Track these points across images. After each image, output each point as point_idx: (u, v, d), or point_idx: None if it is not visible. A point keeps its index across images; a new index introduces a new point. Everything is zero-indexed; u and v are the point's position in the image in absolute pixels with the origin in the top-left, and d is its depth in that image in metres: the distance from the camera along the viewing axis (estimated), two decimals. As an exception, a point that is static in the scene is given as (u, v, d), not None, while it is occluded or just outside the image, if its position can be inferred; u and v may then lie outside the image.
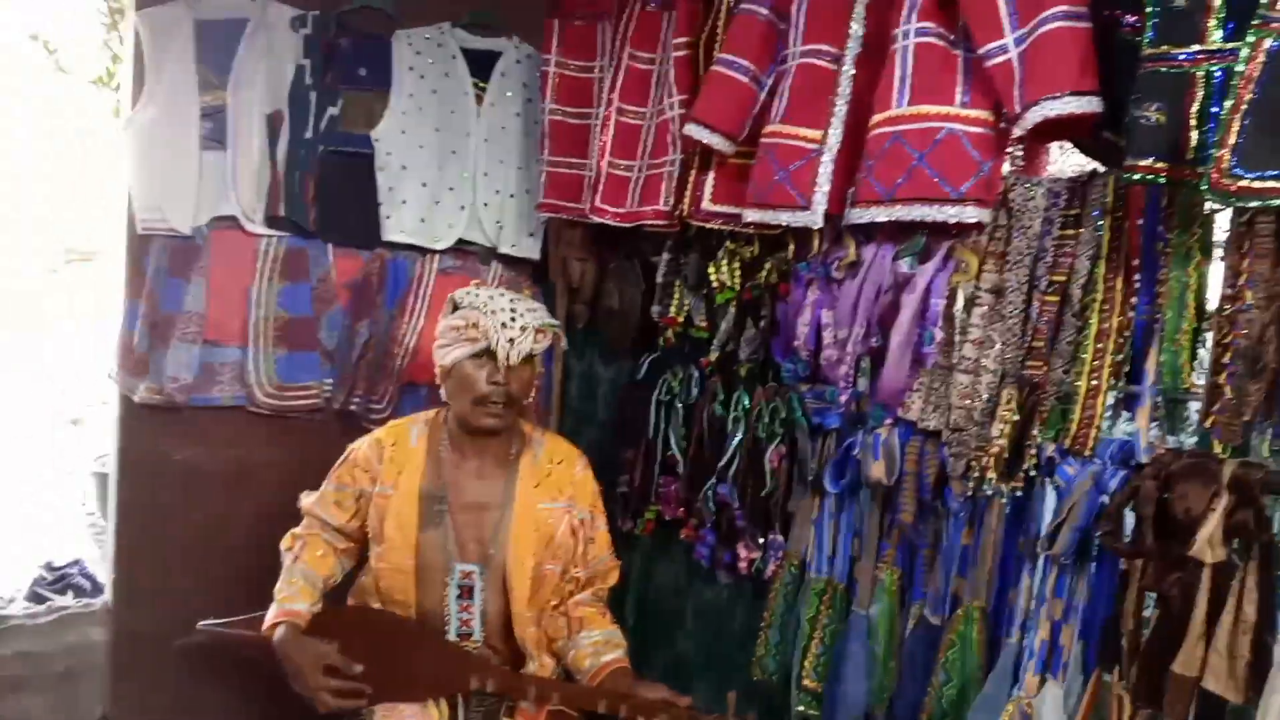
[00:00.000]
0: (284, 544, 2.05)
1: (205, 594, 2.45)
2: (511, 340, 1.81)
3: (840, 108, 1.64)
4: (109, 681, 2.70)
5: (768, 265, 1.88)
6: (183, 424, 2.55)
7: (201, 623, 2.07)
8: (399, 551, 1.91)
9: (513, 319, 1.83)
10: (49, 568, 3.24)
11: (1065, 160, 1.60)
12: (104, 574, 3.09)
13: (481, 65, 2.59)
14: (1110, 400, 1.42)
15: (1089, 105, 1.33)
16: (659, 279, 2.21)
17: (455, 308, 1.90)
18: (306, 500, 2.07)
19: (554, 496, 1.97)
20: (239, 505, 2.63)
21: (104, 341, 2.76)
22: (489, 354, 1.83)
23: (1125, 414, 1.43)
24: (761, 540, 1.98)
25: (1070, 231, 1.44)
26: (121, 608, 2.67)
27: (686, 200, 1.96)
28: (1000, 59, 1.40)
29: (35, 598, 3.05)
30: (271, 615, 1.89)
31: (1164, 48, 1.23)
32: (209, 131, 2.45)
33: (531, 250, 2.68)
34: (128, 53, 2.57)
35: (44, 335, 8.37)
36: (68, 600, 2.89)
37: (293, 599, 1.90)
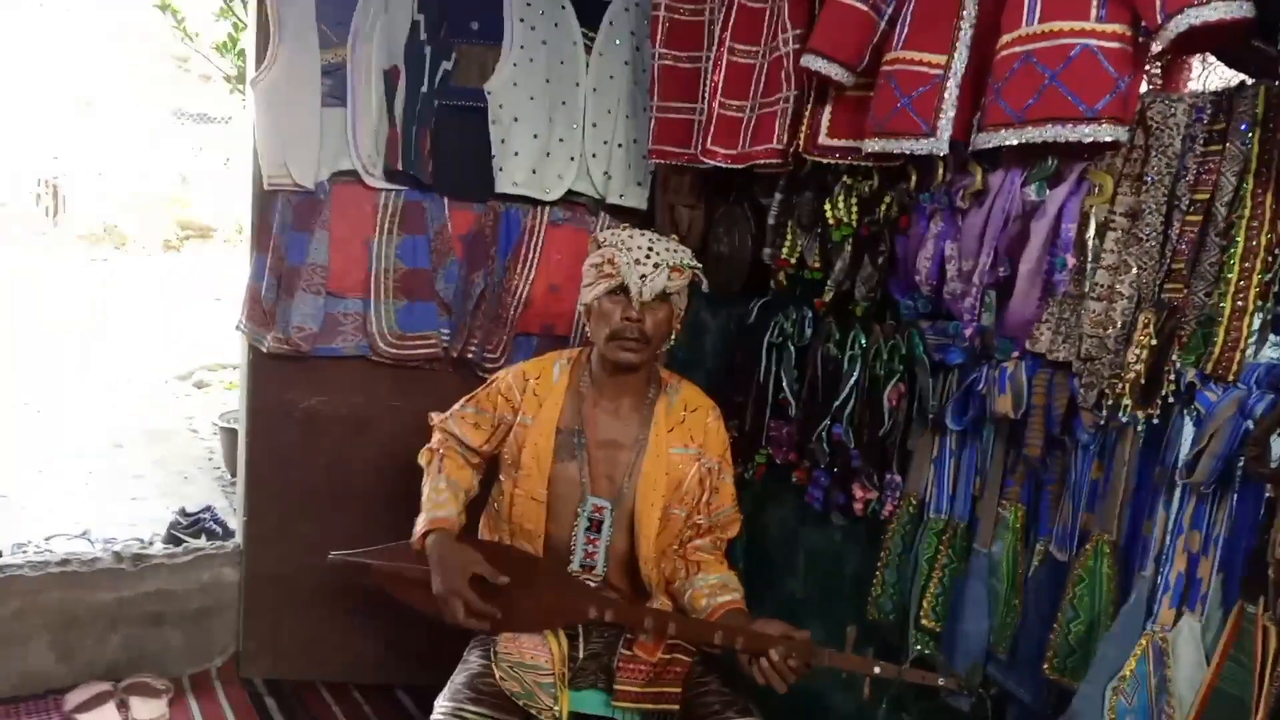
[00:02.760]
0: (422, 459, 2.11)
1: (329, 536, 2.54)
2: (643, 276, 1.83)
3: (965, 31, 1.59)
4: (241, 619, 2.85)
5: (887, 199, 1.85)
6: (307, 373, 2.66)
7: (332, 554, 2.15)
8: (533, 480, 1.96)
9: (648, 256, 1.85)
10: (183, 513, 3.44)
11: (1208, 75, 1.53)
12: (234, 521, 3.26)
13: (590, 14, 2.60)
14: (1257, 323, 1.35)
15: (1239, 10, 1.26)
16: (770, 220, 2.19)
17: (598, 246, 1.93)
18: (439, 418, 2.13)
19: (685, 443, 1.99)
20: (360, 451, 2.74)
21: (222, 311, 2.90)
22: (624, 290, 1.85)
23: (1273, 337, 1.36)
24: (878, 481, 1.96)
25: (1215, 147, 1.37)
26: (252, 549, 2.81)
27: (802, 136, 1.94)
28: (1141, -32, 1.35)
29: (172, 540, 3.24)
30: (422, 524, 1.94)
31: (1325, -57, 1.17)
32: (330, 89, 2.53)
33: (639, 200, 2.69)
34: (251, 16, 2.67)
35: (168, 305, 8.81)
36: (202, 542, 3.05)
37: (442, 505, 1.97)
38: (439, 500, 1.98)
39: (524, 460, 1.96)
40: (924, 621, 1.85)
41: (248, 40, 2.76)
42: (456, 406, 2.12)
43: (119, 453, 4.93)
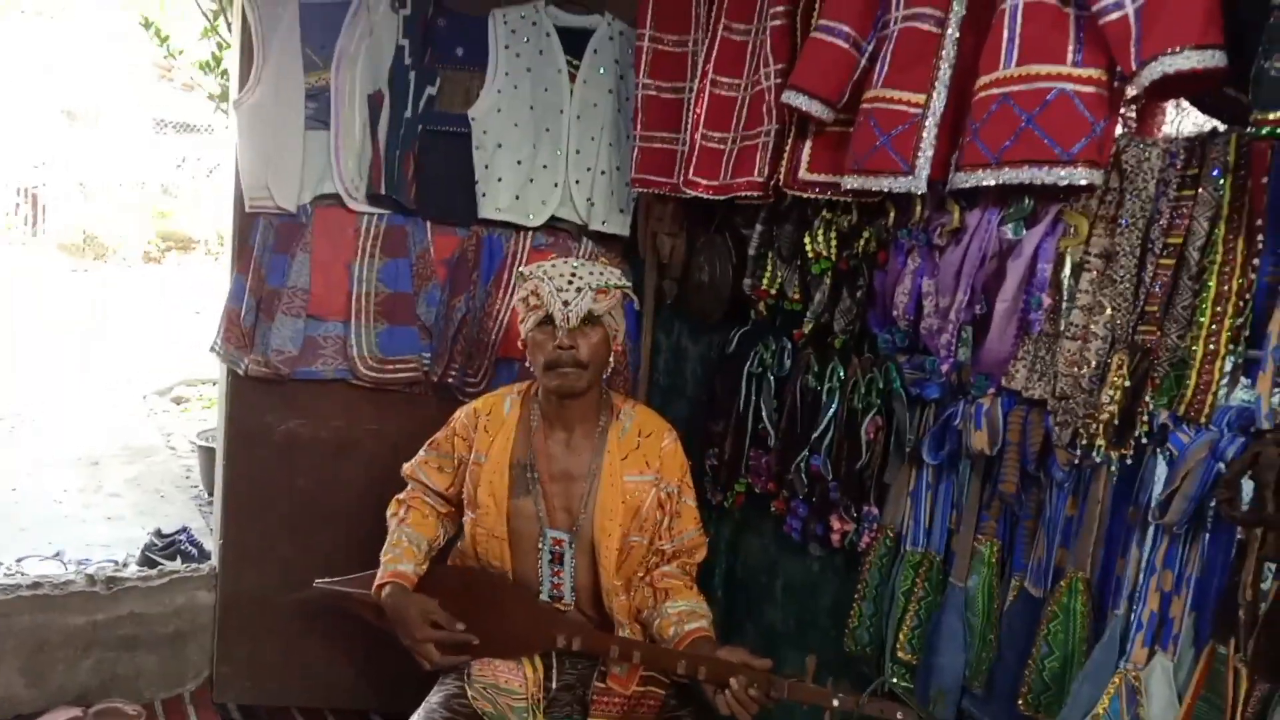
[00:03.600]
0: (389, 510, 2.12)
1: (307, 560, 2.55)
2: (566, 302, 1.85)
3: (944, 71, 1.61)
4: (215, 642, 2.83)
5: (866, 234, 1.86)
6: (287, 395, 2.66)
7: (317, 581, 2.15)
8: (492, 518, 1.96)
9: (569, 282, 1.87)
10: (158, 534, 3.41)
11: (1182, 120, 1.55)
12: (209, 542, 3.23)
13: (575, 43, 2.62)
14: (1228, 366, 1.37)
15: (1212, 60, 1.28)
16: (751, 251, 2.21)
17: (524, 280, 1.94)
18: (409, 467, 2.14)
19: (641, 469, 1.99)
20: (340, 474, 2.73)
21: (203, 324, 2.89)
22: (551, 319, 1.86)
23: (1244, 380, 1.38)
24: (855, 513, 1.97)
25: (1188, 192, 1.39)
26: (228, 572, 2.79)
27: (782, 170, 1.95)
28: (1116, 15, 1.36)
29: (147, 562, 3.20)
30: (379, 577, 1.96)
31: (1295, -4, 1.19)
32: (313, 112, 2.53)
33: (622, 227, 2.70)
34: (235, 37, 2.67)
35: (147, 318, 8.74)
36: (177, 565, 3.02)
37: (398, 560, 1.97)
38: (396, 554, 1.99)
39: (480, 498, 1.97)
40: (900, 654, 1.85)
41: (231, 61, 2.76)
42: (420, 453, 2.13)
43: (95, 470, 4.88)
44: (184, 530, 3.45)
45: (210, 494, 3.83)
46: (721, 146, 2.16)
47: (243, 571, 2.76)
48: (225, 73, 3.58)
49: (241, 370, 2.59)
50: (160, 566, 2.97)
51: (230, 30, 3.03)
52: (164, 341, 7.70)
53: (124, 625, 2.76)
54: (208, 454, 4.02)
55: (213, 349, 2.66)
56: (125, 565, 3.33)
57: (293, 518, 2.72)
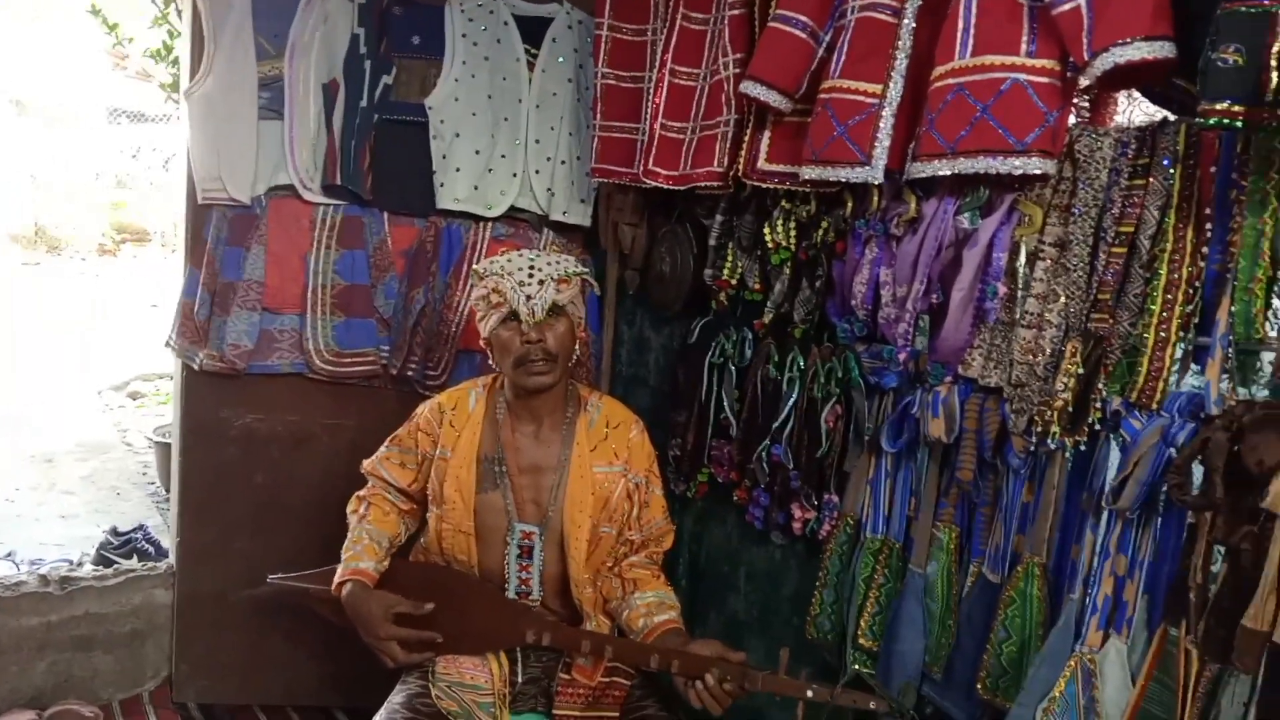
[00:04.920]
0: (350, 506, 2.09)
1: (266, 557, 2.52)
2: (529, 296, 1.83)
3: (901, 61, 1.62)
4: (174, 641, 2.79)
5: (824, 224, 1.87)
6: (242, 390, 2.62)
7: (271, 577, 2.12)
8: (459, 513, 1.94)
9: (530, 275, 1.85)
10: (114, 533, 3.35)
11: (1133, 110, 1.57)
12: (167, 539, 3.18)
13: (533, 32, 2.59)
14: (1179, 353, 1.39)
15: (1162, 50, 1.30)
16: (712, 241, 2.20)
17: (480, 278, 1.92)
18: (369, 463, 2.11)
19: (609, 460, 1.98)
20: (298, 470, 2.69)
21: (159, 318, 2.83)
22: (515, 315, 1.85)
23: (1194, 367, 1.40)
24: (816, 501, 1.98)
25: (1139, 181, 1.41)
26: (185, 570, 2.75)
27: (741, 160, 1.95)
28: (1068, 5, 1.38)
29: (102, 561, 3.15)
30: (339, 574, 1.93)
31: (1243, -12, 1.20)
32: (266, 102, 2.49)
33: (583, 217, 2.68)
34: (185, 26, 2.62)
35: (102, 312, 8.58)
36: (133, 563, 2.97)
37: (359, 558, 1.95)
38: (356, 551, 1.96)
39: (447, 494, 1.95)
40: (861, 641, 1.86)
41: (182, 49, 2.69)
42: (382, 449, 2.10)
43: (49, 468, 4.79)
44: (140, 528, 3.40)
45: (168, 490, 3.77)
46: (681, 136, 2.15)
47: (201, 569, 2.72)
48: (176, 61, 3.51)
49: (196, 365, 2.55)
50: (116, 565, 2.92)
51: (181, 18, 2.96)
52: (119, 336, 7.56)
53: (79, 626, 2.71)
54: (164, 450, 3.95)
55: (167, 344, 2.61)
56: (80, 565, 3.27)
57: (251, 514, 2.68)
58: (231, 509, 2.68)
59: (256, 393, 2.62)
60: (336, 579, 1.94)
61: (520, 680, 1.96)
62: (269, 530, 2.68)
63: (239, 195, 2.50)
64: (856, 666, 1.86)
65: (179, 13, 3.17)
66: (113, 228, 12.59)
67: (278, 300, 2.55)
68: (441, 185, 2.56)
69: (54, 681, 2.68)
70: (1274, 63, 1.16)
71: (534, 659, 1.97)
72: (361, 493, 2.10)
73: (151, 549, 3.28)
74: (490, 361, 1.98)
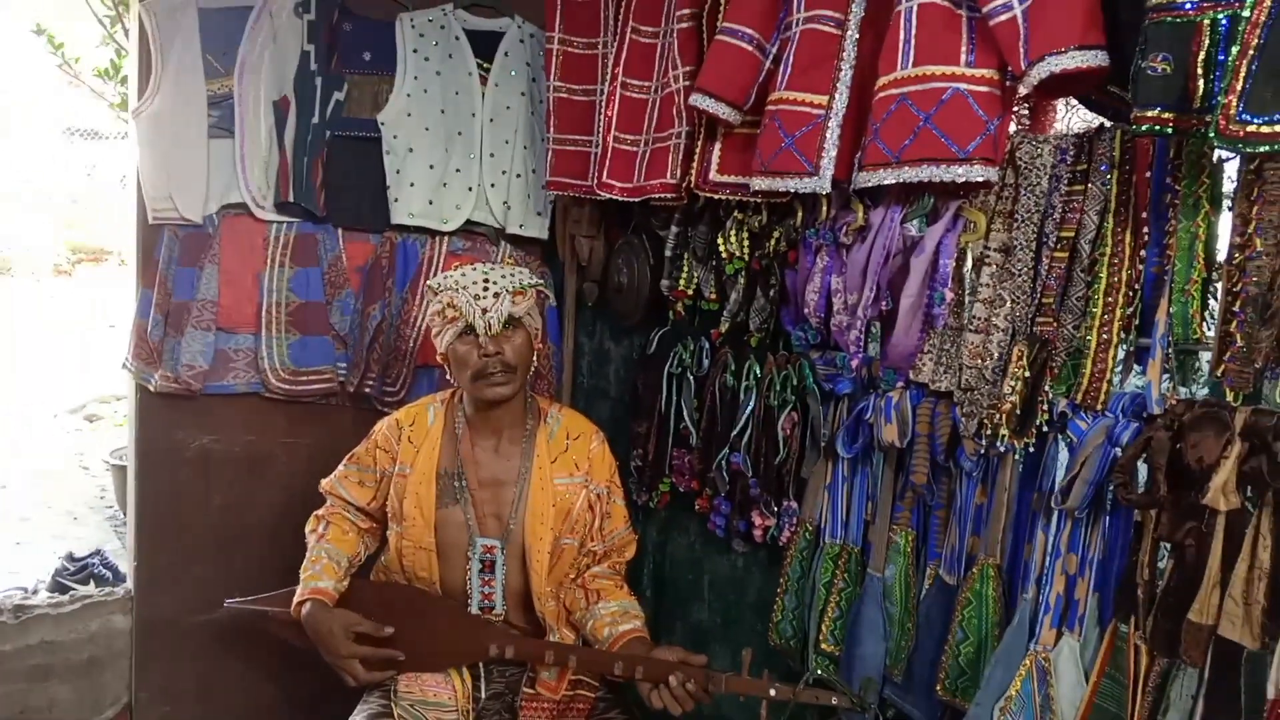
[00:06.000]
0: (308, 526, 2.08)
1: (225, 579, 2.49)
2: (485, 309, 1.83)
3: (845, 72, 1.64)
4: (133, 668, 2.74)
5: (776, 234, 1.88)
6: (198, 412, 2.59)
7: (228, 601, 2.10)
8: (419, 529, 1.93)
9: (485, 289, 1.85)
10: (70, 559, 3.28)
11: (1071, 118, 1.60)
12: (125, 564, 3.13)
13: (485, 46, 2.59)
14: (1121, 354, 1.42)
15: (1095, 59, 1.32)
16: (668, 253, 2.21)
17: (435, 294, 1.91)
18: (328, 482, 2.10)
19: (570, 472, 1.99)
20: (257, 490, 2.66)
21: (116, 339, 2.79)
22: (471, 329, 1.84)
23: (1136, 367, 1.43)
24: (775, 508, 1.99)
25: (1078, 187, 1.44)
26: (144, 595, 2.70)
27: (693, 172, 1.96)
28: (1004, 16, 1.40)
29: (58, 587, 3.09)
30: (298, 594, 1.92)
31: (1169, -2, 1.23)
32: (216, 120, 2.47)
33: (540, 230, 2.69)
34: (132, 44, 2.59)
35: (58, 333, 8.43)
36: (90, 589, 2.92)
37: (318, 577, 1.93)
38: (315, 571, 1.95)
39: (407, 510, 1.94)
40: (823, 645, 1.88)
41: (130, 68, 2.66)
42: (340, 468, 2.09)
43: (2, 494, 4.69)
44: (98, 553, 3.33)
45: (126, 514, 3.71)
46: (634, 149, 2.16)
47: (159, 594, 2.68)
48: (125, 80, 3.47)
49: (152, 386, 2.51)
50: (73, 592, 2.86)
51: (128, 37, 2.93)
52: (75, 357, 7.44)
53: (34, 655, 2.65)
54: (121, 473, 3.89)
55: (124, 366, 2.58)
56: (35, 592, 3.20)
57: (209, 537, 2.65)
58: (190, 532, 2.65)
59: (212, 413, 2.60)
60: (296, 599, 1.92)
61: (484, 696, 1.95)
62: (228, 552, 2.65)
63: (190, 214, 2.47)
64: (819, 671, 1.88)
65: (126, 31, 3.13)
66: (68, 247, 12.38)
67: (232, 319, 2.52)
68: (396, 200, 2.55)
69: (9, 713, 2.62)
70: (1200, 70, 1.20)
71: (497, 674, 1.96)
72: (320, 512, 2.09)
73: (109, 574, 3.21)
74: (448, 376, 1.98)
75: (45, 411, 6.33)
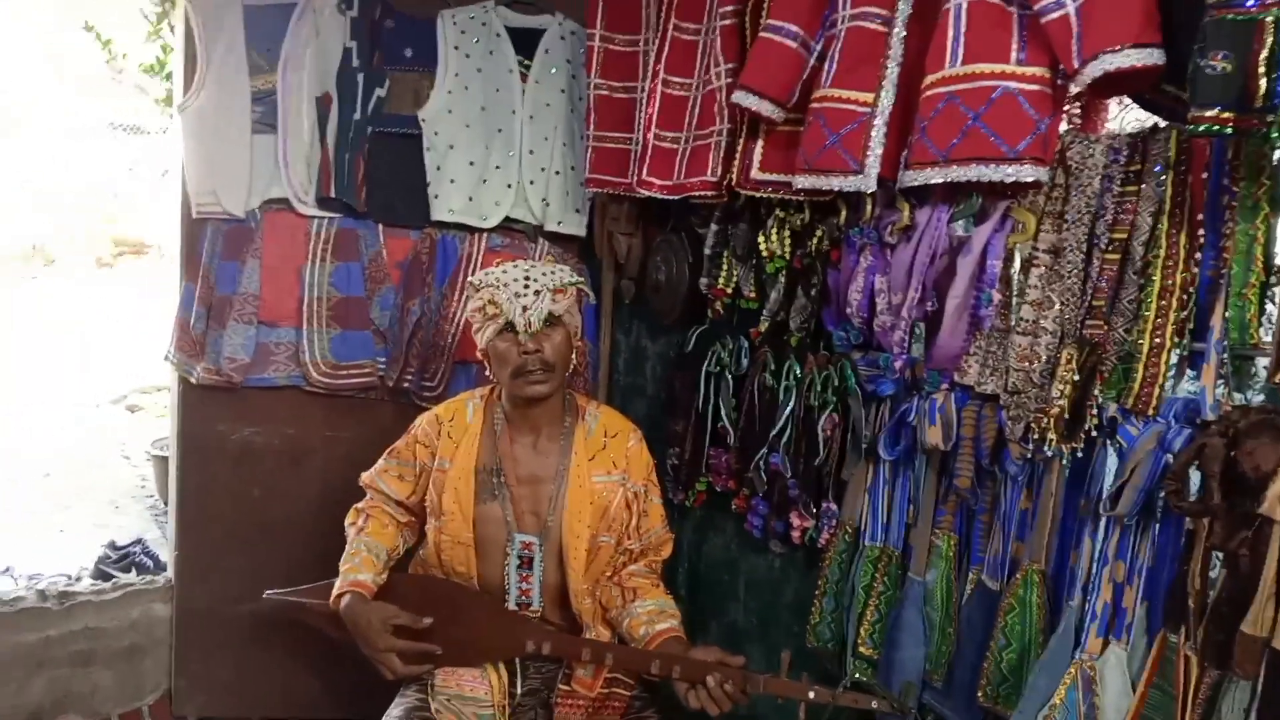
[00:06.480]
0: (348, 519, 2.09)
1: (264, 570, 2.51)
2: (525, 307, 1.83)
3: (892, 70, 1.62)
4: (173, 655, 2.78)
5: (819, 233, 1.86)
6: (239, 404, 2.62)
7: (267, 591, 2.12)
8: (457, 524, 1.94)
9: (526, 286, 1.85)
10: (112, 546, 3.33)
11: (1124, 117, 1.57)
12: (165, 553, 3.17)
13: (525, 43, 2.60)
14: (1174, 359, 1.39)
15: (1151, 57, 1.30)
16: (707, 251, 2.20)
17: (476, 290, 1.92)
18: (367, 477, 2.11)
19: (608, 469, 1.98)
20: (295, 483, 2.69)
21: (158, 330, 2.83)
22: (512, 326, 1.85)
23: (1190, 372, 1.40)
24: (815, 509, 1.97)
25: (1131, 188, 1.41)
26: (184, 584, 2.74)
27: (735, 170, 1.95)
28: (1057, 14, 1.38)
29: (101, 575, 3.13)
30: (337, 587, 1.93)
31: (1230, -6, 1.20)
32: (260, 115, 2.50)
33: (578, 227, 2.69)
34: (178, 41, 2.62)
35: (100, 325, 8.58)
36: (132, 577, 2.96)
37: (357, 569, 1.94)
38: (355, 564, 1.96)
39: (445, 505, 1.94)
40: (862, 649, 1.86)
41: (176, 64, 2.70)
42: (380, 462, 2.10)
43: (47, 482, 4.77)
44: (139, 542, 3.38)
45: (166, 503, 3.76)
46: (675, 146, 2.15)
47: (199, 583, 2.71)
48: (170, 76, 3.52)
49: (194, 379, 2.55)
50: (114, 579, 2.91)
51: (174, 33, 2.97)
52: (118, 348, 7.55)
53: (78, 641, 2.70)
54: (163, 463, 3.94)
55: (166, 358, 2.61)
56: (78, 579, 3.25)
57: (248, 528, 2.68)
58: (229, 523, 2.68)
59: (253, 406, 2.62)
60: (334, 591, 1.94)
61: (520, 692, 1.95)
62: (267, 543, 2.68)
63: (233, 209, 2.50)
64: (857, 675, 1.86)
65: (171, 27, 3.17)
66: (110, 240, 12.58)
67: (273, 313, 2.55)
68: (436, 197, 2.56)
69: (53, 698, 2.67)
70: (1261, 69, 1.17)
71: (533, 670, 1.96)
72: (360, 505, 2.10)
73: (150, 563, 3.26)
74: (487, 373, 1.98)
75: (88, 401, 6.43)
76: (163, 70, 3.63)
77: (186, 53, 2.52)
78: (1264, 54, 1.17)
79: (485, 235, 2.64)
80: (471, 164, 2.57)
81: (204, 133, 2.47)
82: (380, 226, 2.61)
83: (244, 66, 2.46)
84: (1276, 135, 1.12)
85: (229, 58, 2.45)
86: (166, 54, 3.54)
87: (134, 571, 3.14)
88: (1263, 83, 1.17)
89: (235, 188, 2.50)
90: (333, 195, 2.52)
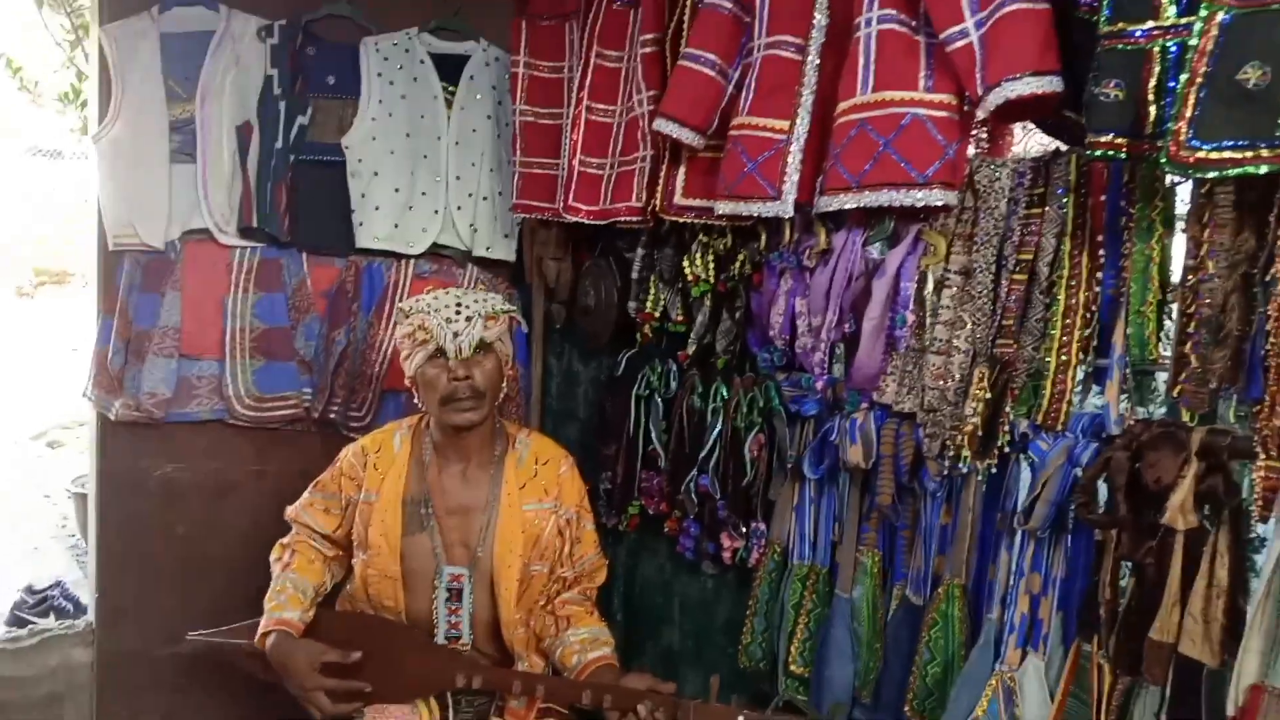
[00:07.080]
0: (273, 554, 2.05)
1: (190, 610, 2.45)
2: (457, 333, 1.82)
3: (806, 98, 1.65)
4: (94, 702, 2.68)
5: (741, 257, 1.89)
6: (161, 440, 2.55)
7: (190, 633, 2.06)
8: (384, 558, 1.91)
9: (458, 312, 1.85)
10: (29, 591, 3.23)
11: (1028, 141, 1.63)
12: (86, 595, 3.07)
13: (450, 69, 2.59)
14: (1080, 375, 1.44)
15: (1050, 85, 1.35)
16: (634, 275, 2.22)
17: (406, 316, 1.90)
18: (293, 510, 2.07)
19: (540, 497, 1.97)
20: (221, 519, 2.63)
21: (78, 363, 2.75)
22: (441, 352, 1.84)
23: (1095, 388, 1.45)
24: (744, 529, 1.99)
25: (1035, 210, 1.46)
26: (105, 627, 2.65)
27: (659, 196, 1.97)
28: (961, 42, 1.42)
29: (16, 621, 3.03)
30: (263, 625, 1.89)
31: (1120, 25, 1.25)
32: (178, 145, 2.45)
33: (507, 252, 2.68)
34: (93, 69, 2.56)
35: (17, 358, 8.30)
36: (50, 623, 2.86)
37: (283, 608, 1.90)
38: (280, 601, 1.92)
39: (372, 539, 1.92)
40: (792, 667, 1.87)
41: (90, 92, 2.64)
42: (305, 495, 2.07)
43: (-40, 523, 4.60)
44: (58, 584, 3.27)
45: (88, 543, 3.65)
46: (600, 172, 2.17)
47: (122, 626, 2.63)
48: (85, 104, 3.44)
49: (113, 415, 2.48)
50: (31, 625, 2.81)
51: (88, 61, 2.91)
52: (37, 382, 7.32)
53: (-8, 691, 2.60)
54: (83, 500, 3.82)
55: (84, 395, 2.54)
56: (-7, 625, 3.14)
57: (173, 567, 2.60)
58: (153, 562, 2.60)
59: (176, 441, 2.56)
60: (260, 630, 1.89)
61: (452, 726, 1.92)
62: (193, 583, 2.60)
63: (151, 240, 2.45)
64: (788, 694, 1.87)
65: (85, 56, 3.10)
66: (31, 269, 12.22)
67: (195, 346, 2.49)
68: (360, 224, 2.54)
69: (-34, 751, 2.56)
70: (1151, 97, 1.22)
71: (465, 704, 1.94)
72: (285, 540, 2.06)
73: (70, 606, 3.16)
74: (416, 401, 1.96)
75: (6, 437, 6.21)
76: (78, 99, 3.54)
77: (101, 81, 2.46)
78: (1153, 83, 1.22)
79: (412, 262, 2.62)
80: (397, 190, 2.55)
81: (120, 163, 2.41)
82: (304, 255, 2.57)
83: (160, 95, 2.42)
84: (1165, 161, 1.17)
85: (145, 87, 2.40)
86: (81, 81, 3.46)
87: (52, 616, 3.04)
88: (1153, 109, 1.23)
89: (153, 219, 2.44)
90: (255, 225, 2.47)
